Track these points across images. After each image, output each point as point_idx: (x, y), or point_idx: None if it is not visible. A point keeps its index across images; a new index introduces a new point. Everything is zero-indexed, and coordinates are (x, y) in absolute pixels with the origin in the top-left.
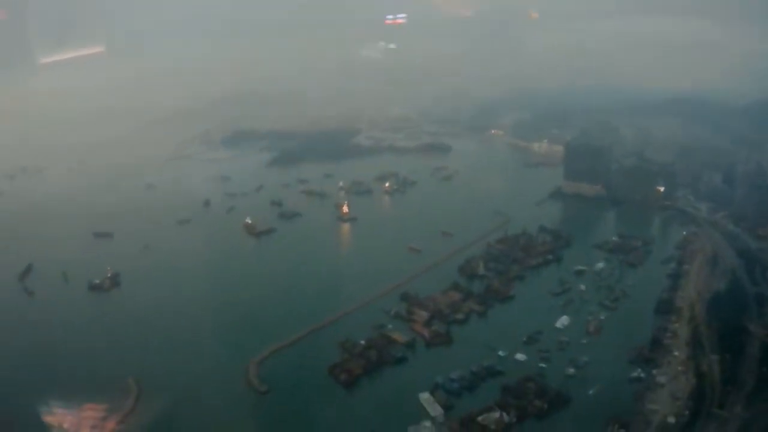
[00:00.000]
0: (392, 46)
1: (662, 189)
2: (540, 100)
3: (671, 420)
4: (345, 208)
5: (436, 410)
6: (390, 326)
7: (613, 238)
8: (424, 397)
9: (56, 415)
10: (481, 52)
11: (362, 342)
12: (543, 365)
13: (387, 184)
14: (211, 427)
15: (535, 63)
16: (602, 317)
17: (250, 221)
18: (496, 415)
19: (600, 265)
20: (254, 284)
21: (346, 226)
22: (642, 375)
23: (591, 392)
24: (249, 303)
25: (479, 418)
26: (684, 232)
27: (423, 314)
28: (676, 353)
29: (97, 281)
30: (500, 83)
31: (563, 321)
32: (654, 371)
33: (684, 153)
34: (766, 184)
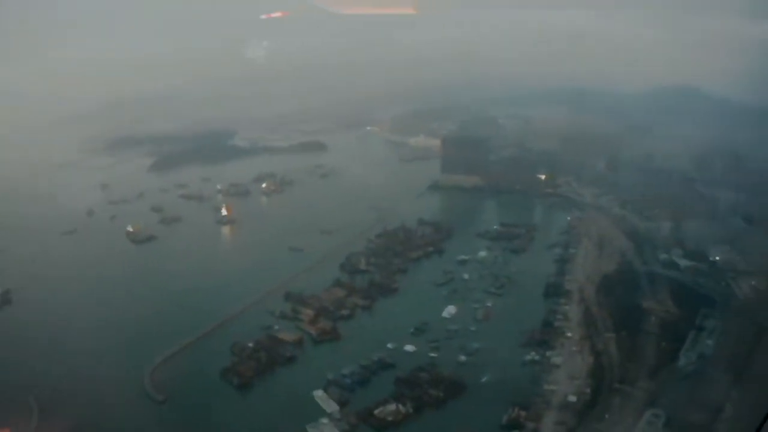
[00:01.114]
0: (267, 44)
1: (543, 177)
2: (419, 94)
3: (572, 399)
4: (224, 211)
5: (331, 407)
6: (277, 326)
7: (495, 227)
8: (319, 394)
9: None
10: (361, 49)
11: (251, 344)
12: (433, 355)
13: (265, 185)
14: None
15: (415, 56)
16: (489, 304)
17: (132, 229)
18: (392, 407)
19: (482, 253)
20: (141, 292)
21: (226, 229)
22: (536, 357)
23: (484, 380)
24: (138, 311)
25: (376, 411)
26: (568, 218)
27: (309, 312)
28: (569, 335)
29: None
30: (379, 78)
31: (450, 310)
32: (548, 353)
33: (567, 141)
34: (653, 167)
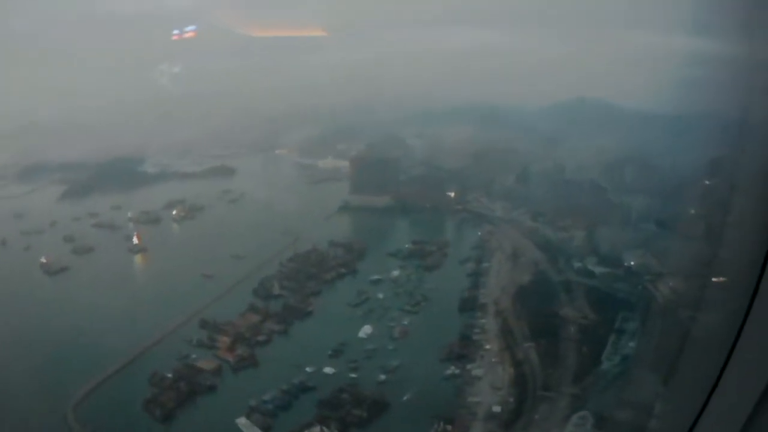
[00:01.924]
0: (174, 66)
1: (453, 194)
2: (327, 115)
3: (497, 409)
4: (135, 239)
5: None
6: (194, 355)
7: (407, 245)
8: (242, 422)
9: None
10: (269, 70)
11: (169, 374)
12: (353, 375)
13: (175, 212)
14: None
15: (323, 78)
16: (405, 322)
17: (45, 260)
18: (317, 429)
19: (396, 272)
20: (57, 325)
21: (138, 258)
22: (456, 371)
23: (406, 396)
24: (55, 345)
25: None
26: (479, 233)
27: (225, 339)
28: (487, 347)
29: None
30: (287, 100)
31: (366, 330)
32: (468, 366)
33: (476, 158)
34: (564, 179)
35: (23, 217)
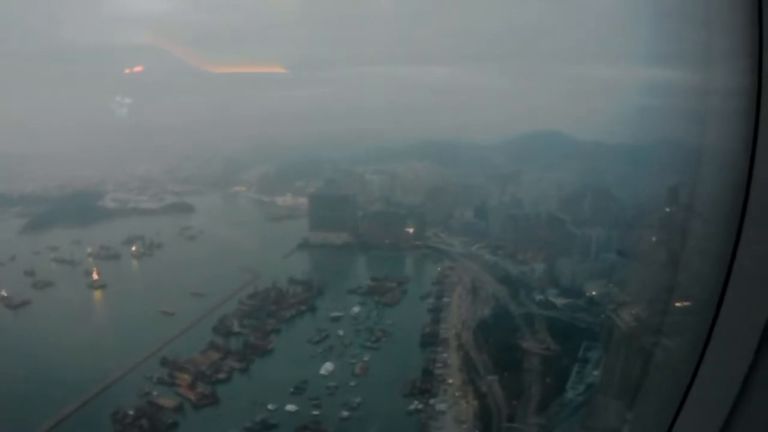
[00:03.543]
0: (132, 102)
1: (411, 230)
2: (285, 151)
3: None
4: (95, 275)
5: None
6: (155, 392)
7: (366, 282)
8: None
9: None
10: (226, 106)
11: (131, 412)
12: (316, 412)
13: (134, 248)
14: None
15: (281, 113)
16: (366, 358)
17: (5, 294)
18: None
19: (356, 309)
20: (16, 362)
21: (97, 293)
22: (420, 406)
23: None
24: (17, 380)
25: None
26: (438, 268)
27: (185, 377)
28: (450, 381)
29: None
30: (245, 136)
31: (327, 367)
32: (431, 401)
33: (433, 193)
34: (522, 213)
35: None
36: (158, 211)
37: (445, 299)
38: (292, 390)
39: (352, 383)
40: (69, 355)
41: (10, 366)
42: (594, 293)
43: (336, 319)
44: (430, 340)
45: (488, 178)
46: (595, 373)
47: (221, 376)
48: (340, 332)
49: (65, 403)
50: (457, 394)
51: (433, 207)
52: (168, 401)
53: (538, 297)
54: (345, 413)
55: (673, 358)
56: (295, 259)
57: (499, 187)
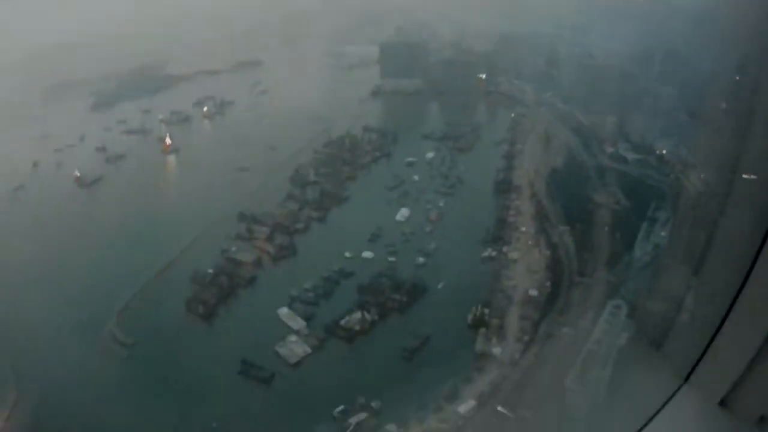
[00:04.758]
0: None
1: (484, 76)
2: (353, 2)
3: (533, 293)
4: (167, 141)
5: (298, 323)
6: (234, 248)
7: (440, 128)
8: (284, 312)
9: None
10: None
11: (210, 270)
12: (392, 259)
13: (205, 109)
14: (94, 398)
15: None
16: (441, 204)
17: (78, 174)
18: (358, 316)
19: (430, 154)
20: (94, 237)
21: (171, 159)
22: (493, 254)
23: (444, 280)
24: (94, 258)
25: (342, 322)
26: (512, 114)
27: (264, 230)
28: (523, 229)
29: None
30: None
31: (403, 213)
32: (504, 249)
33: (504, 41)
34: (594, 64)
35: (53, 134)
36: (226, 69)
37: (518, 146)
38: (368, 237)
39: (427, 229)
40: (146, 224)
41: (91, 245)
42: (664, 151)
43: (411, 165)
44: (504, 187)
45: (559, 29)
46: (663, 234)
47: (299, 226)
48: (416, 177)
49: (147, 271)
50: (529, 242)
51: (504, 54)
52: (246, 256)
53: (609, 150)
54: (420, 260)
55: (740, 228)
56: (368, 106)
57: (571, 38)
